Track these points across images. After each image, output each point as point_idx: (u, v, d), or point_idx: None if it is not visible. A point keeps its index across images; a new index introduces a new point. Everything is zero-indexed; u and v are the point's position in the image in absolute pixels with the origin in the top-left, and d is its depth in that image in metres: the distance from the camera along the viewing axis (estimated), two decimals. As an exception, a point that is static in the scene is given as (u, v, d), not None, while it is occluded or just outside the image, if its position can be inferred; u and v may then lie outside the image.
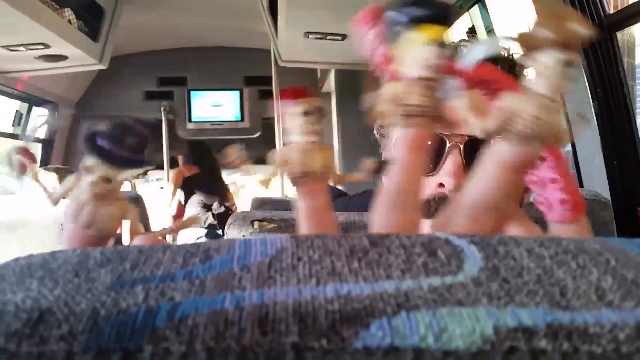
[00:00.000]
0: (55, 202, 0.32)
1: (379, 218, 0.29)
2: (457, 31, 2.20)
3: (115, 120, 0.30)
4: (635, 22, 1.27)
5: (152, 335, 0.14)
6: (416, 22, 0.27)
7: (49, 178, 1.87)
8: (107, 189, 0.30)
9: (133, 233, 0.33)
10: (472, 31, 2.14)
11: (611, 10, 1.34)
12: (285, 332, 0.14)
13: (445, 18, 0.28)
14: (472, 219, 0.27)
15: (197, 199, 3.19)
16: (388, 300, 0.15)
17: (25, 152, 0.34)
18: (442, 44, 0.27)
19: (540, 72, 0.26)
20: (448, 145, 0.60)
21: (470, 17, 2.13)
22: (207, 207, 3.10)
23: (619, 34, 1.35)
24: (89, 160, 0.30)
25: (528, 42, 0.26)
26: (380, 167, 0.32)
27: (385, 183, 0.30)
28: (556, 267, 0.17)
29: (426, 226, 0.51)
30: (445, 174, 0.59)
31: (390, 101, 0.28)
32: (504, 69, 0.65)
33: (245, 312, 0.15)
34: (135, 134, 0.31)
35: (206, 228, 3.01)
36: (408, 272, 0.17)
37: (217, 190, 3.30)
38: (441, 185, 0.59)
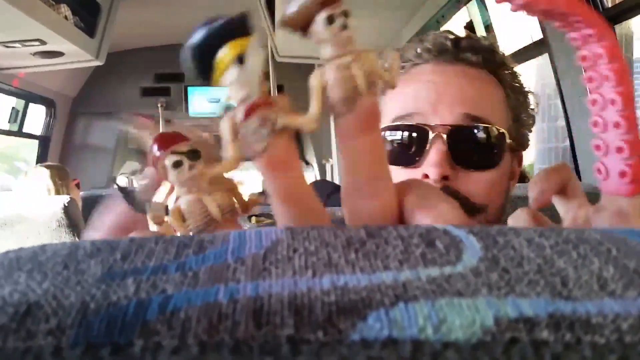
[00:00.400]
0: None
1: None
2: (454, 26, 2.20)
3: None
4: (634, 16, 1.27)
5: (143, 329, 0.14)
6: (213, 46, 0.24)
7: (42, 174, 1.87)
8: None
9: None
10: (469, 26, 2.14)
11: (609, 3, 1.33)
12: (281, 324, 0.14)
13: (240, 28, 0.24)
14: (367, 193, 0.24)
15: None
16: (386, 292, 0.15)
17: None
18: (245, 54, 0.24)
19: (321, 38, 0.23)
20: (431, 135, 0.59)
21: (468, 12, 2.13)
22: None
23: (617, 28, 1.34)
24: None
25: (299, 22, 0.23)
26: None
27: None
28: (557, 257, 0.17)
29: None
30: (430, 164, 0.58)
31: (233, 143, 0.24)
32: (485, 62, 0.64)
33: (240, 305, 0.14)
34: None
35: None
36: (406, 263, 0.16)
37: None
38: (426, 176, 0.59)
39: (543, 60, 1.71)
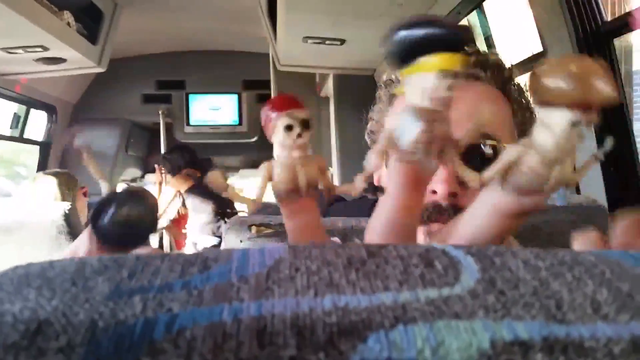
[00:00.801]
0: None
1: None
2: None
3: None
4: (633, 30, 1.28)
5: (150, 348, 0.14)
6: (429, 45, 0.24)
7: (49, 182, 1.86)
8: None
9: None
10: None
11: (608, 17, 1.34)
12: (284, 345, 0.14)
13: (461, 43, 0.24)
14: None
15: (207, 206, 3.13)
16: (385, 313, 0.15)
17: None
18: (454, 75, 0.24)
19: (548, 126, 0.23)
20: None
21: (469, 23, 2.14)
22: (220, 215, 3.03)
23: (616, 41, 1.35)
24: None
25: (540, 92, 0.23)
26: (373, 188, 0.30)
27: (379, 213, 0.29)
28: (552, 279, 0.17)
29: (420, 234, 0.50)
30: (439, 180, 0.59)
31: (389, 135, 0.26)
32: (494, 78, 0.65)
33: (243, 325, 0.15)
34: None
35: (219, 237, 2.96)
36: (405, 284, 0.17)
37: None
38: (434, 192, 0.59)
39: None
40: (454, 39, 0.24)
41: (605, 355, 0.14)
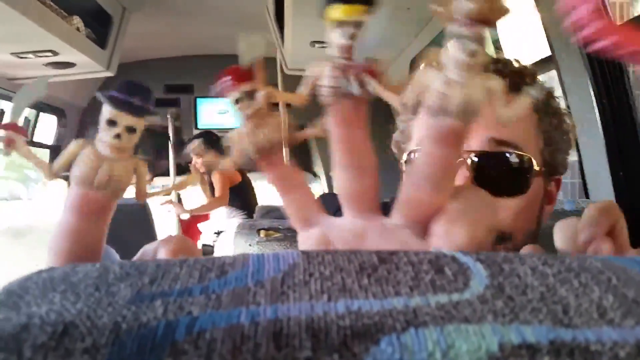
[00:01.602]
0: (54, 174, 0.32)
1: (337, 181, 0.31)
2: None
3: (122, 80, 0.32)
4: None
5: (172, 349, 0.15)
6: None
7: (60, 185, 1.88)
8: (133, 141, 0.31)
9: (141, 193, 0.33)
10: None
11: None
12: (299, 347, 0.15)
13: None
14: (420, 191, 0.27)
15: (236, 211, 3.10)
16: (397, 317, 0.16)
17: (12, 126, 0.34)
18: (354, 24, 0.26)
19: (449, 50, 0.25)
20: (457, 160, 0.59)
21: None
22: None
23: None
24: (112, 112, 0.30)
25: (446, 12, 0.25)
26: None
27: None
28: (559, 285, 0.18)
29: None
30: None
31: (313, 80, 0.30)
32: (508, 79, 0.65)
33: (261, 327, 0.15)
34: (141, 86, 0.32)
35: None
36: (416, 289, 0.17)
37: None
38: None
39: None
40: None
41: (611, 359, 0.15)
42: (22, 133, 0.33)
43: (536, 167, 0.61)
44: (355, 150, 0.29)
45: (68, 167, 0.32)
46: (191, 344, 0.15)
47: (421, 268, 0.19)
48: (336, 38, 0.27)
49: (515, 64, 0.66)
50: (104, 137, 0.30)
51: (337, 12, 0.26)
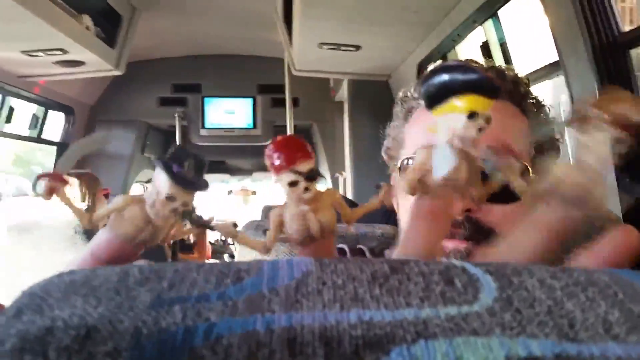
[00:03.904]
0: (93, 224, 0.33)
1: None
2: (470, 45, 2.21)
3: (178, 149, 0.32)
4: (650, 41, 1.27)
5: (190, 353, 0.15)
6: (461, 89, 0.26)
7: (70, 182, 1.89)
8: (182, 212, 0.31)
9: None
10: (485, 45, 2.15)
11: (626, 27, 1.34)
12: (313, 354, 0.15)
13: (491, 91, 0.26)
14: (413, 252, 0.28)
15: None
16: (408, 328, 0.16)
17: (58, 177, 0.35)
18: (485, 118, 0.26)
19: (590, 145, 0.27)
20: None
21: (484, 31, 2.14)
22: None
23: (632, 52, 1.35)
24: (173, 189, 0.30)
25: (584, 119, 0.27)
26: (385, 215, 0.32)
27: (402, 248, 0.30)
28: (566, 299, 0.18)
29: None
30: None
31: (417, 169, 0.27)
32: (511, 93, 0.65)
33: (275, 334, 0.16)
34: (196, 159, 0.32)
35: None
36: (427, 300, 0.18)
37: None
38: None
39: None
40: (487, 85, 0.26)
41: None
42: (64, 182, 0.34)
43: (531, 175, 0.62)
44: (431, 244, 0.29)
45: (107, 217, 0.33)
46: (209, 349, 0.16)
47: (432, 279, 0.19)
48: (466, 129, 0.26)
49: (510, 72, 0.67)
50: (159, 206, 0.31)
51: (474, 103, 0.26)
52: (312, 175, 0.27)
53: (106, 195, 2.05)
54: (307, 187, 0.27)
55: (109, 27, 2.51)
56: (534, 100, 0.67)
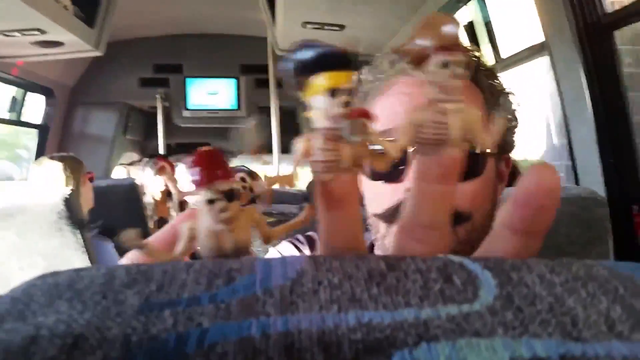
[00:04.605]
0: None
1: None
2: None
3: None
4: (635, 21, 1.28)
5: None
6: (310, 69, 0.25)
7: (55, 166, 1.86)
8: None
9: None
10: (470, 26, 2.14)
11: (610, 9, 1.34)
12: None
13: (345, 63, 0.25)
14: (420, 239, 0.25)
15: None
16: (409, 330, 0.16)
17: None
18: (347, 92, 0.25)
19: (430, 79, 0.25)
20: (409, 150, 0.59)
21: (469, 12, 2.13)
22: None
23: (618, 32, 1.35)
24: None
25: (412, 56, 0.25)
26: None
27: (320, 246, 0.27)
28: (567, 295, 0.18)
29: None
30: (411, 179, 0.59)
31: (304, 155, 0.26)
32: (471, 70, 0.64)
33: (272, 340, 0.15)
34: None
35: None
36: (426, 299, 0.17)
37: None
38: (409, 190, 0.59)
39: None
40: (338, 58, 0.25)
41: None
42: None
43: (489, 150, 0.62)
44: (346, 233, 0.26)
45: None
46: (202, 357, 0.15)
47: (430, 276, 0.19)
48: (331, 107, 0.24)
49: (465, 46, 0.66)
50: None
51: (331, 79, 0.24)
52: (231, 196, 0.25)
53: (91, 179, 2.02)
54: (223, 208, 0.25)
55: (87, 6, 2.45)
56: (487, 72, 0.67)
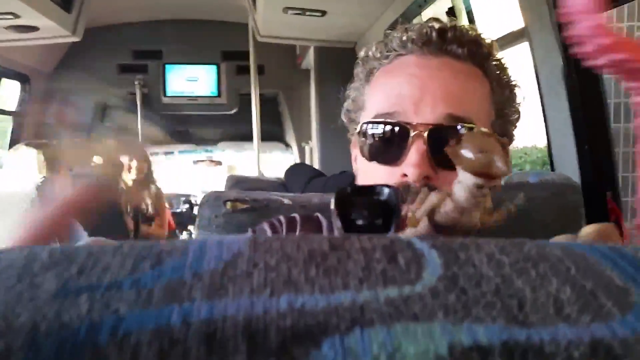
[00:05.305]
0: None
1: None
2: (436, 11, 2.19)
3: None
4: (613, 7, 1.27)
5: (93, 353, 0.13)
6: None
7: (31, 153, 1.82)
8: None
9: None
10: (451, 11, 2.13)
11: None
12: (233, 351, 0.14)
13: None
14: None
15: None
16: (343, 315, 0.15)
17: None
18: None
19: (462, 183, 0.33)
20: (412, 134, 0.58)
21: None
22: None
23: None
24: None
25: (457, 158, 0.32)
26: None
27: None
28: (515, 276, 0.17)
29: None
30: (409, 164, 0.57)
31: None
32: (472, 55, 0.64)
33: (192, 329, 0.14)
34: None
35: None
36: (366, 281, 0.16)
37: None
38: (405, 175, 0.58)
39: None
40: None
41: (565, 359, 0.14)
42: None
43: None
44: None
45: None
46: (115, 347, 0.14)
47: (373, 256, 0.18)
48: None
49: (471, 33, 0.65)
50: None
51: None
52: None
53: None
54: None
55: (64, -10, 2.40)
56: (497, 62, 0.66)
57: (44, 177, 1.57)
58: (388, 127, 0.60)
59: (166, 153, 4.33)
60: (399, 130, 0.59)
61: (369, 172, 0.64)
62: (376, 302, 0.15)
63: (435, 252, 0.18)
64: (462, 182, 0.33)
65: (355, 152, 0.68)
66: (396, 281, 0.16)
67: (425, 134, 0.58)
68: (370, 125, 0.62)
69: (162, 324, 0.14)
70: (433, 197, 0.36)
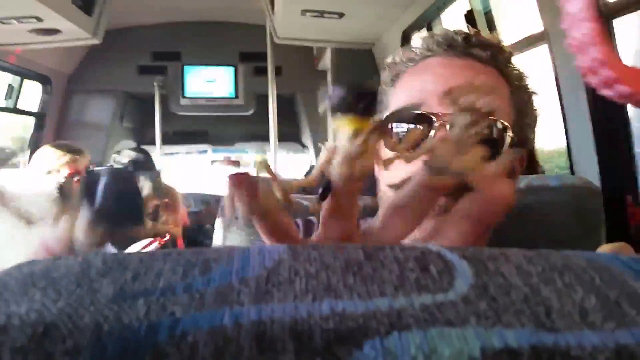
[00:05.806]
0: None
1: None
2: (454, 14, 2.19)
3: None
4: (635, 10, 1.27)
5: (154, 351, 0.15)
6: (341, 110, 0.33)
7: (53, 154, 1.85)
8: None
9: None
10: (469, 14, 2.13)
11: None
12: (282, 350, 0.15)
13: (367, 113, 0.33)
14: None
15: None
16: (381, 319, 0.16)
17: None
18: (363, 138, 0.33)
19: (456, 124, 0.34)
20: (436, 124, 0.59)
21: (469, 0, 2.12)
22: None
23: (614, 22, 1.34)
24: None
25: (452, 100, 0.34)
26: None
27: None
28: (543, 286, 0.18)
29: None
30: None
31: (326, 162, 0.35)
32: (494, 59, 0.65)
33: (244, 329, 0.15)
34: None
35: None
36: (401, 289, 0.17)
37: None
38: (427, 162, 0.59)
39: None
40: (362, 109, 0.33)
41: None
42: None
43: (510, 135, 0.62)
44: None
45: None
46: (173, 346, 0.15)
47: (407, 266, 0.19)
48: (347, 146, 0.33)
49: (494, 38, 0.67)
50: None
51: (354, 124, 0.33)
52: None
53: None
54: None
55: (85, -6, 2.44)
56: (516, 69, 0.67)
57: (65, 178, 1.60)
58: (412, 116, 0.62)
59: (186, 153, 4.37)
60: (422, 120, 0.61)
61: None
62: (412, 308, 0.16)
63: (465, 263, 0.19)
64: (455, 124, 0.34)
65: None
66: (429, 289, 0.17)
67: (448, 125, 0.59)
68: (394, 116, 0.64)
69: (216, 325, 0.15)
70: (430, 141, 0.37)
